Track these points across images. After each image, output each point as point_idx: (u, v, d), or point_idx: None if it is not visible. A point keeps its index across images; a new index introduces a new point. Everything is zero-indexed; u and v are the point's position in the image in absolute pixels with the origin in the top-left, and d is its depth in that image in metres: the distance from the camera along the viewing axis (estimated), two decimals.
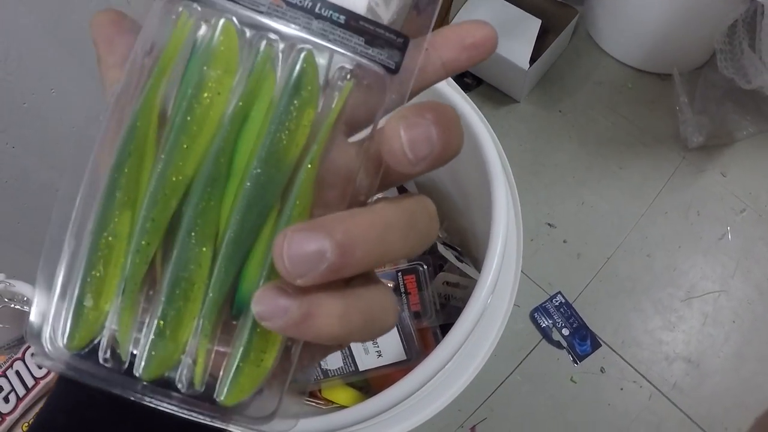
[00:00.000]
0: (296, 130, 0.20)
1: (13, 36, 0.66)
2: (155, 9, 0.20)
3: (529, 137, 1.30)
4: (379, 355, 0.70)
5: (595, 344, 1.09)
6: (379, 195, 0.22)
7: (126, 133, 0.19)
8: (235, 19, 0.20)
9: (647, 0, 1.22)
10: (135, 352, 0.20)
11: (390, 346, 0.70)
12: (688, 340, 1.10)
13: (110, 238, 0.20)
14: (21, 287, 0.70)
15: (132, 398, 0.20)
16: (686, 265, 1.17)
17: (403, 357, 0.70)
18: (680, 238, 1.19)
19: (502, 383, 1.07)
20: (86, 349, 0.20)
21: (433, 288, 0.76)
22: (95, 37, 0.21)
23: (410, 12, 0.22)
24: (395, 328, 0.70)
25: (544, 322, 1.11)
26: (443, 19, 1.28)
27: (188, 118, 0.20)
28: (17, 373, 0.69)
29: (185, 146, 0.20)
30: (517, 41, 1.21)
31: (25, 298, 0.71)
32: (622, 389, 1.06)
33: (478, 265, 0.79)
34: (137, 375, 0.20)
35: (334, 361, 0.70)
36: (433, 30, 0.21)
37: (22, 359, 0.70)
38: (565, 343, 1.10)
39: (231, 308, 0.21)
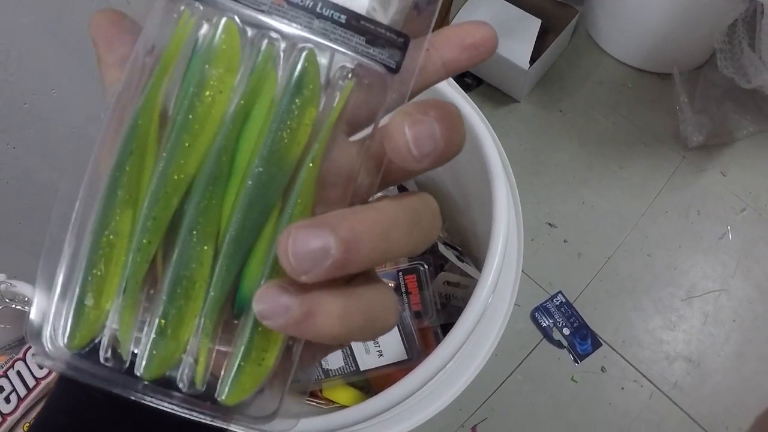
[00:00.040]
0: (298, 128, 0.20)
1: (14, 37, 0.66)
2: (157, 8, 0.20)
3: (529, 137, 1.30)
4: (380, 355, 0.70)
5: (596, 344, 1.09)
6: (380, 194, 0.22)
7: (127, 132, 0.19)
8: (236, 17, 0.20)
9: (647, 0, 1.22)
10: (136, 351, 0.20)
11: (391, 346, 0.70)
12: (688, 340, 1.10)
13: (111, 237, 0.20)
14: (22, 287, 0.71)
15: (133, 398, 0.20)
16: (687, 264, 1.17)
17: (404, 356, 0.70)
18: (681, 238, 1.19)
19: (502, 383, 1.07)
20: (87, 349, 0.20)
21: (434, 288, 0.76)
22: (94, 36, 0.21)
23: (410, 12, 0.22)
24: (396, 328, 0.70)
25: (544, 322, 1.11)
26: (443, 20, 1.28)
27: (190, 117, 0.20)
28: (18, 373, 0.70)
29: (187, 145, 0.20)
30: (517, 41, 1.21)
31: (26, 299, 0.71)
32: (622, 388, 1.06)
33: (478, 264, 0.79)
34: (138, 374, 0.20)
35: (335, 360, 0.70)
36: (433, 30, 0.21)
37: (23, 359, 0.70)
38: (565, 343, 1.10)
39: (232, 307, 0.21)
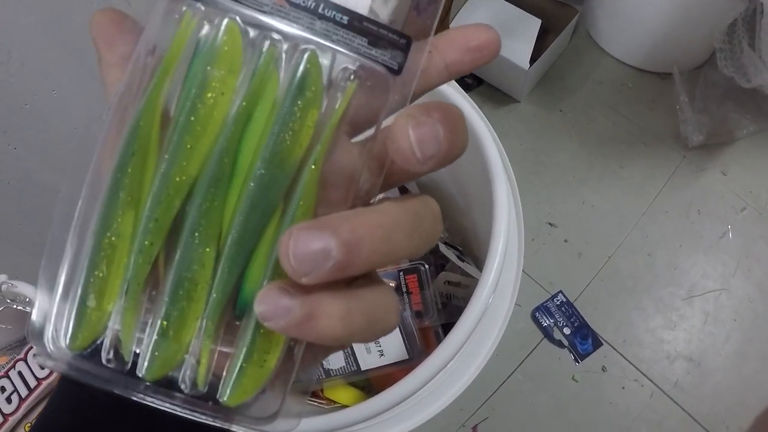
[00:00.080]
0: (300, 130, 0.20)
1: (15, 37, 0.66)
2: (158, 8, 0.20)
3: (529, 137, 1.30)
4: (381, 355, 0.70)
5: (597, 343, 1.09)
6: (381, 195, 0.22)
7: (129, 133, 0.19)
8: (238, 18, 0.20)
9: (647, 0, 1.22)
10: (138, 352, 0.20)
11: (392, 346, 0.71)
12: (689, 339, 1.10)
13: (113, 238, 0.20)
14: (23, 288, 0.71)
15: (134, 398, 0.20)
16: (687, 263, 1.17)
17: (405, 356, 0.70)
18: (681, 237, 1.19)
19: (503, 382, 1.07)
20: (89, 350, 0.20)
21: (435, 287, 0.76)
22: (95, 36, 0.21)
23: (410, 12, 0.22)
24: (397, 328, 0.70)
25: (545, 321, 1.11)
26: (443, 20, 1.28)
27: (192, 118, 0.20)
28: (20, 373, 0.70)
29: (189, 146, 0.20)
30: (517, 41, 1.21)
31: (27, 299, 0.71)
32: (623, 388, 1.06)
33: (479, 264, 0.80)
34: (140, 375, 0.20)
35: (336, 360, 0.70)
36: (434, 31, 0.21)
37: (25, 360, 0.70)
38: (566, 342, 1.10)
39: (234, 309, 0.21)
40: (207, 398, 0.21)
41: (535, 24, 1.21)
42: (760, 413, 1.03)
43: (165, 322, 0.20)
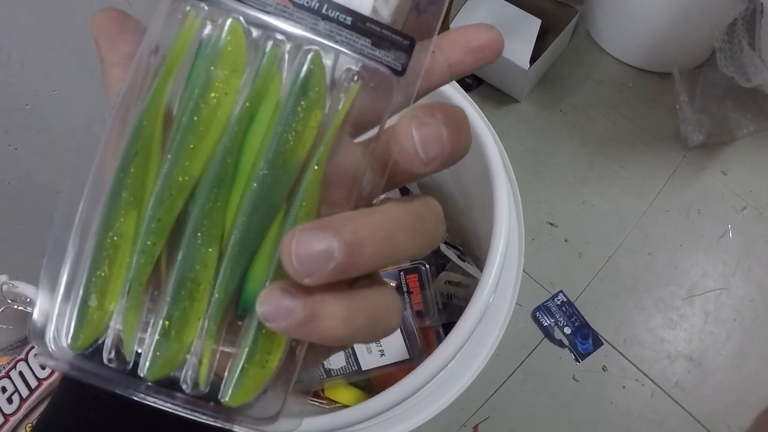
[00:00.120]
0: (303, 131, 0.20)
1: (15, 38, 0.66)
2: (161, 8, 0.20)
3: (529, 137, 1.30)
4: (382, 355, 0.70)
5: (597, 343, 1.09)
6: (383, 196, 0.22)
7: (132, 133, 0.19)
8: (242, 18, 0.20)
9: (647, 0, 1.22)
10: (139, 352, 0.20)
11: (393, 346, 0.71)
12: (689, 339, 1.10)
13: (115, 238, 0.20)
14: (24, 288, 0.71)
15: (136, 398, 0.20)
16: (687, 263, 1.17)
17: (406, 356, 0.71)
18: (681, 237, 1.19)
19: (504, 382, 1.07)
20: (90, 349, 0.20)
21: (436, 287, 0.76)
22: (97, 36, 0.21)
23: (410, 12, 0.22)
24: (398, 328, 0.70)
25: (546, 321, 1.11)
26: (443, 20, 1.28)
27: (195, 118, 0.19)
28: (20, 374, 0.70)
29: (192, 146, 0.20)
30: (518, 41, 1.21)
31: (28, 299, 0.71)
32: (624, 387, 1.06)
33: (480, 264, 0.80)
34: (142, 375, 0.20)
35: (337, 360, 0.70)
36: (438, 31, 0.21)
37: (26, 360, 0.70)
38: (567, 342, 1.10)
39: (236, 309, 0.21)
40: (208, 398, 0.21)
41: (535, 24, 1.21)
42: (760, 412, 1.03)
43: (167, 322, 0.20)
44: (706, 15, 1.18)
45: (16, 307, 0.72)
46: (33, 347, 0.70)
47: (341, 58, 0.21)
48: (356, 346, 0.70)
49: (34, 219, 0.80)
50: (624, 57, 1.37)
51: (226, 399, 0.20)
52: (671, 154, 1.27)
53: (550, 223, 1.21)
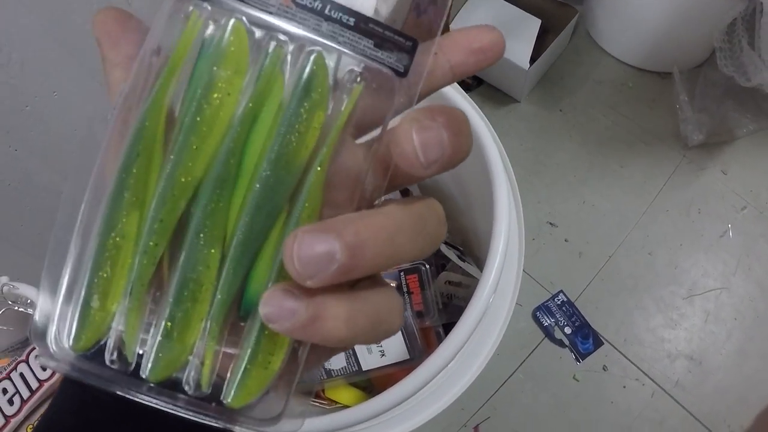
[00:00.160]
0: (306, 132, 0.20)
1: (15, 39, 0.66)
2: (164, 8, 0.20)
3: (529, 137, 1.30)
4: (382, 355, 0.70)
5: (598, 342, 1.10)
6: (383, 198, 0.22)
7: (134, 134, 0.19)
8: (245, 19, 0.20)
9: None
10: (142, 353, 0.20)
11: (393, 346, 0.71)
12: (690, 338, 1.10)
13: (118, 239, 0.20)
14: (24, 289, 0.71)
15: (137, 400, 0.20)
16: (688, 263, 1.17)
17: (406, 356, 0.71)
18: (681, 236, 1.19)
19: (504, 382, 1.07)
20: (92, 351, 0.20)
21: (436, 287, 0.76)
22: (99, 35, 0.21)
23: (410, 13, 0.22)
24: None
25: (546, 321, 1.11)
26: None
27: (198, 119, 0.19)
28: (21, 375, 0.70)
29: (195, 147, 0.20)
30: (517, 41, 1.21)
31: (29, 301, 0.71)
32: (624, 387, 1.06)
33: (480, 264, 0.80)
34: (144, 376, 0.20)
35: (337, 361, 0.71)
36: (441, 32, 0.21)
37: (26, 361, 0.70)
38: (567, 342, 1.10)
39: (238, 310, 0.21)
40: (210, 399, 0.21)
41: (534, 24, 1.21)
42: (761, 411, 1.03)
43: (169, 323, 0.20)
44: (705, 15, 1.18)
45: (16, 308, 0.72)
46: (34, 348, 0.70)
47: (344, 59, 0.21)
48: (356, 347, 0.70)
49: (34, 220, 0.80)
50: (624, 57, 1.37)
51: (229, 400, 0.20)
52: (671, 153, 1.27)
53: (551, 223, 1.21)
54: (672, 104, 1.29)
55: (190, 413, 0.20)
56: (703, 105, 1.26)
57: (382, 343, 0.70)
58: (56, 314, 0.20)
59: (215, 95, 0.20)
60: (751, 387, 1.06)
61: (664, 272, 1.16)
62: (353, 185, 0.21)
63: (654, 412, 1.04)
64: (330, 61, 0.20)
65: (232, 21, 0.20)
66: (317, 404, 0.73)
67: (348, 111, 0.21)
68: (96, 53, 0.21)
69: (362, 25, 0.20)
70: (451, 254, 0.79)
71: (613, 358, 1.09)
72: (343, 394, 0.75)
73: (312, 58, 0.20)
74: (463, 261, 0.80)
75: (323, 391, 0.74)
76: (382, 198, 0.21)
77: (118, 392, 0.20)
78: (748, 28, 1.15)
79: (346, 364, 0.71)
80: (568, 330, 1.10)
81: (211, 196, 0.20)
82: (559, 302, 1.13)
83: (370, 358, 0.70)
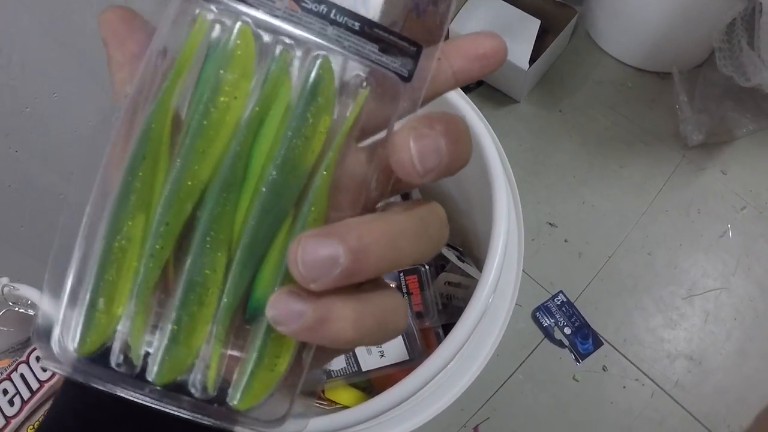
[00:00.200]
0: (312, 137, 0.20)
1: (15, 40, 0.66)
2: (170, 9, 0.20)
3: (529, 137, 1.30)
4: (382, 356, 0.71)
5: (597, 343, 1.10)
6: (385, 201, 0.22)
7: (140, 136, 0.19)
8: (251, 22, 0.20)
9: (646, 0, 1.22)
10: (147, 355, 0.20)
11: (392, 347, 0.71)
12: (689, 338, 1.10)
13: (123, 242, 0.20)
14: (25, 290, 0.71)
15: (143, 402, 0.20)
16: (687, 263, 1.17)
17: (406, 357, 0.71)
18: (681, 236, 1.19)
19: (504, 383, 1.07)
20: (97, 354, 0.20)
21: (435, 288, 0.76)
22: (105, 35, 0.21)
23: (410, 13, 0.22)
24: None
25: (546, 321, 1.11)
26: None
27: (205, 122, 0.19)
28: (22, 376, 0.70)
29: (201, 150, 0.20)
30: (517, 41, 1.21)
31: (29, 302, 0.71)
32: (624, 387, 1.07)
33: (479, 265, 0.80)
34: (150, 379, 0.20)
35: (337, 361, 0.71)
36: (444, 33, 0.21)
37: (27, 362, 0.70)
38: (567, 342, 1.10)
39: (244, 313, 0.21)
40: (214, 401, 0.21)
41: (534, 24, 1.21)
42: (760, 411, 1.04)
43: (176, 327, 0.20)
44: (705, 15, 1.18)
45: (17, 309, 0.72)
46: (34, 349, 0.70)
47: (349, 63, 0.21)
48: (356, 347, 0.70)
49: (34, 221, 0.80)
50: (623, 57, 1.37)
51: (235, 402, 0.20)
52: (671, 153, 1.27)
53: (550, 224, 1.21)
54: (671, 104, 1.29)
55: (195, 415, 0.21)
56: (703, 105, 1.26)
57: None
58: (60, 317, 0.20)
59: (222, 98, 0.20)
60: (750, 387, 1.06)
61: (664, 272, 1.16)
62: (358, 188, 0.21)
63: (654, 413, 1.04)
64: (335, 66, 0.20)
65: (239, 24, 0.20)
66: (317, 405, 0.74)
67: (354, 115, 0.21)
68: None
69: (367, 29, 0.20)
70: (451, 255, 0.79)
71: (613, 359, 1.09)
72: (343, 394, 0.75)
73: (318, 62, 0.20)
74: (463, 262, 0.80)
75: (323, 391, 0.74)
76: (383, 201, 0.22)
77: (123, 395, 0.20)
78: (747, 28, 1.15)
79: (345, 365, 0.71)
80: (567, 330, 1.10)
81: (218, 199, 0.20)
82: (558, 302, 1.13)
83: (369, 358, 0.70)
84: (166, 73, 0.20)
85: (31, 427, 0.69)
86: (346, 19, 0.20)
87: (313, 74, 0.20)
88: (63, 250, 0.20)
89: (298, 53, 0.20)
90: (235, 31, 0.20)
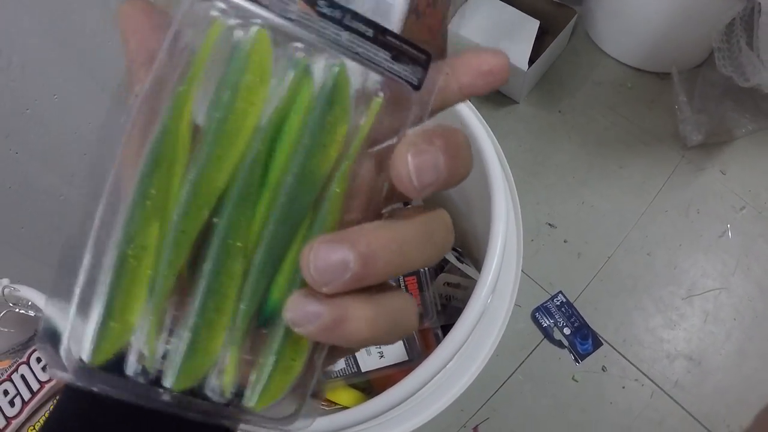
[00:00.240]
0: (330, 145, 0.20)
1: (16, 41, 0.66)
2: (182, 7, 0.19)
3: (528, 138, 1.31)
4: (381, 356, 0.71)
5: (597, 343, 1.10)
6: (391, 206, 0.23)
7: (155, 141, 0.19)
8: (267, 27, 0.19)
9: (645, 0, 1.22)
10: (162, 362, 0.20)
11: (392, 347, 0.71)
12: (689, 338, 1.10)
13: (138, 250, 0.19)
14: (25, 292, 0.71)
15: (158, 408, 0.20)
16: (687, 263, 1.17)
17: (405, 357, 0.71)
18: (681, 237, 1.19)
19: (504, 383, 1.07)
20: (111, 362, 0.20)
21: (434, 289, 0.76)
22: (125, 29, 0.20)
23: (410, 15, 0.22)
24: None
25: (545, 322, 1.11)
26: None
27: (222, 128, 0.19)
28: (22, 377, 0.70)
29: (218, 156, 0.19)
30: (516, 42, 1.21)
31: (30, 303, 0.71)
32: (623, 388, 1.07)
33: (478, 265, 0.80)
34: (168, 386, 0.20)
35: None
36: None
37: (27, 363, 0.70)
38: (566, 343, 1.10)
39: (258, 317, 0.21)
40: (229, 403, 0.21)
41: (533, 25, 1.21)
42: (760, 411, 1.04)
43: (194, 334, 0.20)
44: (704, 15, 1.18)
45: (17, 310, 0.72)
46: (35, 350, 0.70)
47: (363, 71, 0.20)
48: None
49: (35, 223, 0.80)
50: (623, 57, 1.37)
51: (252, 404, 0.21)
52: (670, 154, 1.28)
53: (550, 224, 1.21)
54: (671, 105, 1.29)
55: (210, 417, 0.21)
56: (702, 105, 1.26)
57: None
58: (69, 326, 0.19)
59: (239, 104, 0.19)
60: (750, 387, 1.06)
61: (663, 272, 1.16)
62: (369, 193, 0.22)
63: (653, 413, 1.04)
64: (351, 73, 0.20)
65: (255, 29, 0.19)
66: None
67: (369, 124, 0.21)
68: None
69: (380, 36, 0.20)
70: (450, 256, 0.79)
71: (613, 359, 1.09)
72: (342, 395, 0.75)
73: (335, 70, 0.20)
74: (462, 262, 0.80)
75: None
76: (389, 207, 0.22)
77: (140, 403, 0.20)
78: (746, 28, 1.15)
79: (345, 366, 0.71)
80: (567, 331, 1.10)
81: (236, 206, 0.20)
82: (558, 303, 1.13)
83: (368, 359, 0.71)
84: (181, 77, 0.19)
85: (32, 428, 0.69)
86: (359, 24, 0.20)
87: (330, 82, 0.20)
88: (72, 255, 0.19)
89: (315, 59, 0.20)
90: (253, 35, 0.19)
